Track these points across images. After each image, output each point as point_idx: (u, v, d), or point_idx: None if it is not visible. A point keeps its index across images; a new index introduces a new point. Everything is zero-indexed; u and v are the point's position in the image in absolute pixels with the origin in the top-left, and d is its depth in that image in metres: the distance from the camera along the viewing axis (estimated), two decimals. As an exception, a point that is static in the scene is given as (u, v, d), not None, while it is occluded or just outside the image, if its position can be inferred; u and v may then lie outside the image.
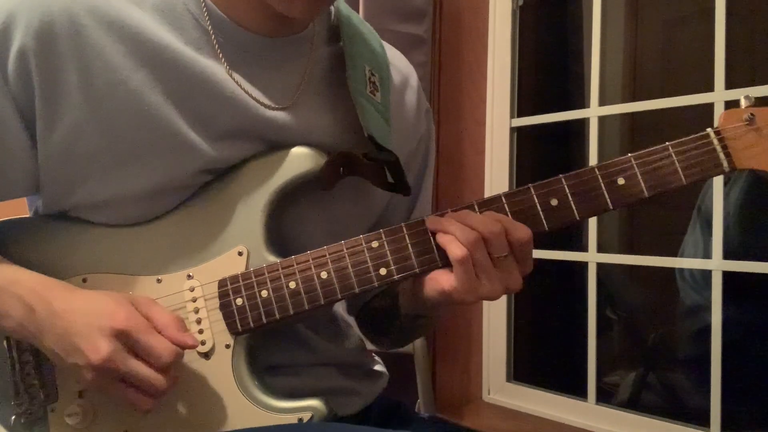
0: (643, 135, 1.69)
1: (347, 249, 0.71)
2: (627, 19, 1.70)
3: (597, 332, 1.44)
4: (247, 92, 0.73)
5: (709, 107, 1.25)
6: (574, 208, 0.69)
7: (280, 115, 0.74)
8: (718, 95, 1.24)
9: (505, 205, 0.70)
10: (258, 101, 0.73)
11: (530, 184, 0.70)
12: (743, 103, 0.69)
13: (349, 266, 0.70)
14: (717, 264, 1.25)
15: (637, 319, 1.75)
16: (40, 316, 0.65)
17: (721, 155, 0.68)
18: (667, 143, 0.69)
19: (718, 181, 1.25)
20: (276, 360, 0.78)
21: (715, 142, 0.68)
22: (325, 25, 0.81)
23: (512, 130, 1.59)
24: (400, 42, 0.92)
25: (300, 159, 0.74)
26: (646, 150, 0.70)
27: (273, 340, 0.76)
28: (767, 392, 1.35)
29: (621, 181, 0.69)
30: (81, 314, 0.64)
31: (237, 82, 0.73)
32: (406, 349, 1.45)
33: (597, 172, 0.69)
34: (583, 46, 1.62)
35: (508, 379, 1.60)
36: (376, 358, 0.97)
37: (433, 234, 0.70)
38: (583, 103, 1.54)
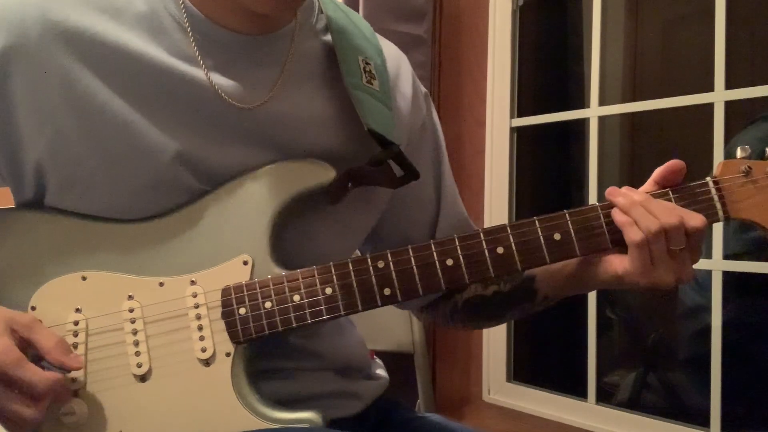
0: (643, 135, 1.69)
1: (353, 268, 0.72)
2: (627, 18, 1.70)
3: (597, 332, 1.44)
4: (224, 93, 0.72)
5: (709, 107, 1.25)
6: (575, 244, 0.72)
7: (259, 112, 0.74)
8: (718, 95, 1.24)
9: (510, 236, 0.72)
10: (234, 100, 0.73)
11: (535, 217, 0.73)
12: (739, 153, 0.72)
13: (354, 284, 0.71)
14: (717, 264, 1.25)
15: (637, 319, 1.75)
16: None
17: (718, 205, 0.71)
18: (668, 188, 0.72)
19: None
20: (277, 364, 0.78)
21: (713, 191, 0.71)
22: (311, 19, 0.80)
23: (512, 130, 1.59)
24: (400, 42, 0.91)
25: (310, 172, 0.74)
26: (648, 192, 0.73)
27: (274, 344, 0.76)
28: (767, 392, 1.35)
29: None
30: None
31: (214, 83, 0.72)
32: (406, 348, 1.45)
33: (600, 211, 0.72)
34: (583, 46, 1.62)
35: (508, 379, 1.60)
36: (377, 360, 0.97)
37: (610, 206, 0.72)
38: (583, 103, 1.54)
